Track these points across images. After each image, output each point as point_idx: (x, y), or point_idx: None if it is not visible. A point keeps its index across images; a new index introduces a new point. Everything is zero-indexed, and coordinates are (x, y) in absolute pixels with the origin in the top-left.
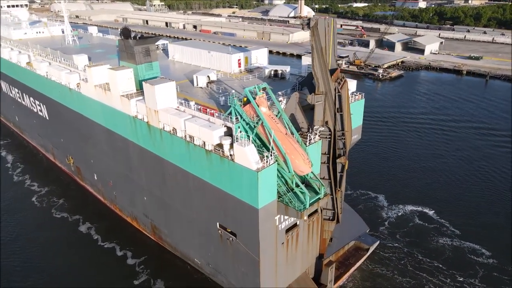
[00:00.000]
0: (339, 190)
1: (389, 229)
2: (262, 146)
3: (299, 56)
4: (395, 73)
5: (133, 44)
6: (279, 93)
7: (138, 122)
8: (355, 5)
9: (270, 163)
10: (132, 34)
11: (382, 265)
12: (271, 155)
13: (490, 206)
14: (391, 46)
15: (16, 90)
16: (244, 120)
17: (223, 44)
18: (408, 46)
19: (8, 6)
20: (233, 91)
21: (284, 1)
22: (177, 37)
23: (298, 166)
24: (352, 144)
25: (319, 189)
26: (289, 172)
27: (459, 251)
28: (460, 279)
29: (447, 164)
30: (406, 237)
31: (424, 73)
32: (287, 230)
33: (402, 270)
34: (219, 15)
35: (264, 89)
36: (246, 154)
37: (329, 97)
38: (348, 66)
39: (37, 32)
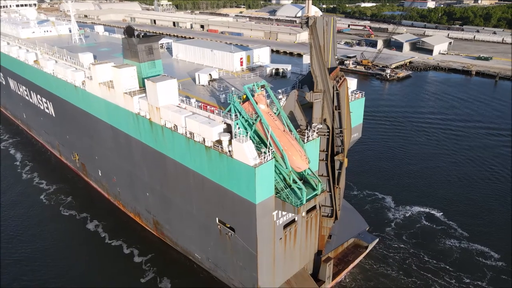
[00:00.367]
0: (337, 187)
1: (395, 230)
2: (261, 142)
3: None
4: (403, 73)
5: (136, 43)
6: (279, 91)
7: (140, 119)
8: (363, 5)
9: (268, 159)
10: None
11: (387, 265)
12: (268, 151)
13: (500, 208)
14: (399, 46)
15: (24, 88)
16: (243, 117)
17: (230, 43)
18: (417, 46)
19: (17, 6)
20: (233, 88)
21: (292, 1)
22: (184, 37)
23: (295, 162)
24: (352, 143)
25: (316, 186)
26: (286, 168)
27: (466, 253)
28: (467, 281)
29: (456, 164)
30: (412, 238)
31: (433, 73)
32: (285, 226)
33: (407, 270)
34: (226, 15)
35: (262, 86)
36: (244, 150)
37: (328, 95)
38: (356, 66)
39: (44, 31)
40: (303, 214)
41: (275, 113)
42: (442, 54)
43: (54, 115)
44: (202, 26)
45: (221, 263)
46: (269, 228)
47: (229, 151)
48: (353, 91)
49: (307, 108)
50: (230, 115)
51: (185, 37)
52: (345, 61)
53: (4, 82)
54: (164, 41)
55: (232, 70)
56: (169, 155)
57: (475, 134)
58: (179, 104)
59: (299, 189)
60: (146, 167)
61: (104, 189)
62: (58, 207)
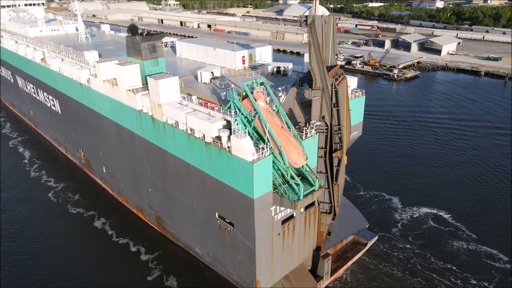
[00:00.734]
0: (336, 184)
1: (401, 231)
2: (259, 139)
3: None
4: (410, 73)
5: (140, 41)
6: (279, 88)
7: (143, 116)
8: (370, 4)
9: (266, 155)
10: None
11: (393, 264)
12: (266, 147)
13: (509, 209)
14: (407, 46)
15: (31, 85)
16: (242, 113)
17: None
18: (425, 47)
19: (26, 5)
20: (232, 85)
21: (299, 0)
22: (191, 36)
23: (292, 158)
24: (353, 141)
25: (314, 182)
26: (284, 164)
27: (474, 254)
28: (474, 282)
29: (464, 164)
30: (418, 239)
31: (441, 74)
32: (283, 222)
33: (412, 269)
34: (233, 15)
35: (262, 84)
36: (242, 146)
37: (326, 92)
38: (363, 66)
39: (52, 30)
40: (302, 210)
41: (274, 110)
42: (451, 54)
43: (60, 112)
44: (209, 26)
45: (220, 258)
46: (267, 223)
47: (228, 147)
48: (354, 89)
49: (306, 105)
50: (230, 111)
51: (191, 36)
52: (352, 61)
53: (10, 79)
54: (168, 39)
55: (234, 68)
56: (170, 151)
57: (484, 134)
58: (181, 101)
59: (297, 184)
60: (149, 163)
61: (108, 185)
62: (66, 205)
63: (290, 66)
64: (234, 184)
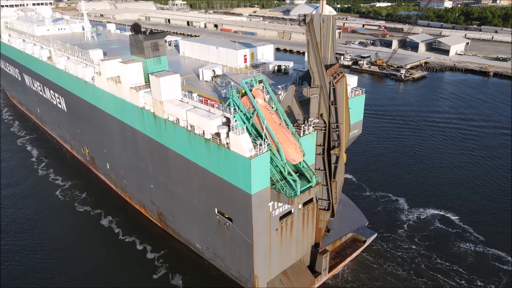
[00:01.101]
0: (334, 181)
1: (407, 232)
2: (258, 136)
3: None
4: (418, 74)
5: (143, 39)
6: (279, 86)
7: (145, 113)
8: (378, 4)
9: (263, 151)
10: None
11: (397, 264)
12: (264, 143)
13: None
14: (414, 47)
15: (38, 83)
16: (241, 111)
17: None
18: (433, 47)
19: (34, 4)
20: (232, 83)
21: (306, 0)
22: (198, 36)
23: (290, 155)
24: (353, 139)
25: (311, 178)
26: (281, 160)
27: (481, 256)
28: (480, 284)
29: (473, 165)
30: (424, 240)
31: (449, 74)
32: (281, 217)
33: (416, 269)
34: (240, 14)
35: (260, 81)
36: (240, 142)
37: (324, 90)
38: (370, 67)
39: (59, 29)
40: (300, 206)
41: (272, 107)
42: (459, 54)
43: (65, 110)
44: (216, 26)
45: (219, 253)
46: (265, 219)
47: (227, 143)
48: (354, 88)
49: (306, 103)
50: (229, 109)
51: (198, 36)
52: (359, 61)
53: (17, 77)
54: (172, 38)
55: (236, 66)
56: (171, 148)
57: (493, 135)
58: (182, 98)
59: (294, 181)
60: (151, 160)
61: (112, 181)
62: (73, 203)
63: (290, 64)
64: (232, 179)
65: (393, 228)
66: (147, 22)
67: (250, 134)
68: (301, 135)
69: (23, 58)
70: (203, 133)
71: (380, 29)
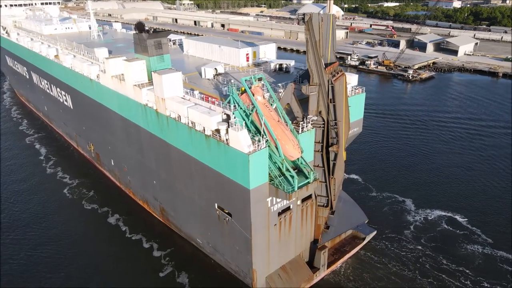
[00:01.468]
0: (332, 178)
1: (413, 233)
2: (257, 132)
3: None
4: (425, 74)
5: (146, 38)
6: (279, 84)
7: (148, 110)
8: (385, 4)
9: (261, 147)
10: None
11: (402, 264)
12: (262, 139)
13: None
14: (422, 47)
15: (45, 81)
16: (241, 108)
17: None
18: (441, 47)
19: (42, 4)
20: (232, 80)
21: (313, 0)
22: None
23: (288, 151)
24: (353, 137)
25: (309, 174)
26: (280, 156)
27: (489, 258)
28: (487, 286)
29: (482, 166)
30: (431, 241)
31: (457, 74)
32: (280, 213)
33: (421, 269)
34: (247, 14)
35: (260, 79)
36: (239, 138)
37: (323, 88)
38: (377, 67)
39: (66, 28)
40: (298, 202)
41: (271, 105)
42: (468, 55)
43: (72, 107)
44: (222, 25)
45: (219, 247)
46: (263, 214)
47: (226, 139)
48: (354, 86)
49: (305, 101)
50: (229, 106)
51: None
52: (366, 61)
53: (25, 75)
54: (176, 37)
55: (238, 65)
56: (173, 144)
57: (502, 135)
58: (184, 96)
59: (292, 177)
60: (153, 156)
61: (116, 178)
62: (81, 201)
63: (292, 63)
64: (231, 175)
65: (399, 229)
66: (155, 22)
67: (249, 130)
68: (300, 132)
69: (31, 57)
70: (204, 129)
71: (388, 29)
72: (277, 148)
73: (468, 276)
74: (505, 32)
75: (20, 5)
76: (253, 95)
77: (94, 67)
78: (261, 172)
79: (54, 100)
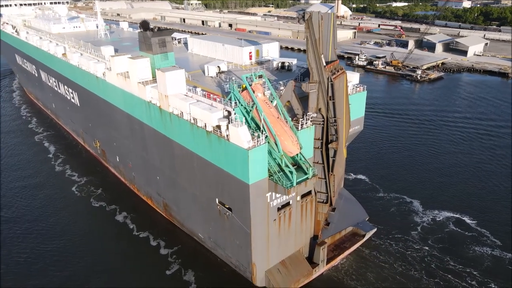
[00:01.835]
0: (332, 174)
1: (420, 234)
2: (257, 128)
3: None
4: (434, 74)
5: (150, 36)
6: (280, 82)
7: (152, 107)
8: (394, 4)
9: (261, 143)
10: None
11: (408, 263)
12: (262, 135)
13: None
14: (431, 47)
15: (53, 79)
16: (241, 104)
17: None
18: (450, 47)
19: (51, 3)
20: (233, 78)
21: (321, 0)
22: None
23: (286, 147)
24: (354, 135)
25: (308, 170)
26: (279, 152)
27: (497, 260)
28: (494, 287)
29: (492, 168)
30: (439, 242)
31: (466, 75)
32: (279, 208)
33: (427, 269)
34: (254, 14)
35: (260, 76)
36: (239, 134)
37: (322, 85)
38: (385, 67)
39: (74, 27)
40: (298, 198)
41: (272, 102)
42: (477, 55)
43: (79, 104)
44: (230, 25)
45: (220, 242)
46: (262, 209)
47: (227, 135)
48: (355, 84)
49: (306, 99)
50: (231, 102)
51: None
52: (374, 62)
53: (34, 73)
54: (181, 36)
55: (241, 63)
56: (176, 140)
57: None
58: (186, 93)
59: (290, 172)
60: (157, 152)
61: (121, 174)
62: (89, 198)
63: (294, 61)
64: (232, 170)
65: (406, 229)
66: (163, 22)
67: (249, 127)
68: (299, 128)
69: (40, 55)
70: (205, 125)
71: (396, 29)
72: (276, 144)
73: (475, 277)
74: None
75: (30, 4)
76: (254, 92)
77: (100, 65)
78: (260, 167)
79: (61, 98)
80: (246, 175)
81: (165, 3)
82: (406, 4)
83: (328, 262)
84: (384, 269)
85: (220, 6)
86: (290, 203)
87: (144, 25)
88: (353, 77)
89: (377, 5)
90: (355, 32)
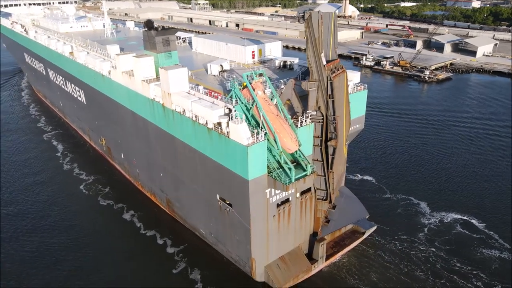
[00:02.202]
0: (331, 172)
1: (427, 236)
2: (257, 126)
3: (340, 56)
4: (442, 75)
5: (154, 35)
6: (281, 81)
7: (155, 104)
8: (402, 4)
9: (260, 140)
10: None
11: (414, 264)
12: (261, 132)
13: None
14: (439, 47)
15: (61, 77)
16: (242, 102)
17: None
18: (459, 48)
19: (59, 3)
20: (235, 76)
21: (328, 0)
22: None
23: (285, 144)
24: (355, 134)
25: (306, 167)
26: (278, 149)
27: (505, 263)
28: None
29: (501, 170)
30: (445, 244)
31: (475, 76)
32: (279, 205)
33: (432, 269)
34: (261, 14)
35: (260, 75)
36: (239, 131)
37: (322, 84)
38: (393, 67)
39: (81, 26)
40: (297, 195)
41: (272, 100)
42: (487, 56)
43: (85, 102)
44: (237, 25)
45: (221, 237)
46: (262, 204)
47: (227, 132)
48: (356, 83)
49: (306, 97)
50: (231, 100)
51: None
52: (381, 62)
53: (42, 71)
54: (186, 35)
55: (244, 62)
56: (178, 137)
57: None
58: (189, 91)
59: (289, 169)
60: (160, 149)
61: (126, 171)
62: (96, 197)
63: (296, 60)
64: (232, 166)
65: (413, 231)
66: (170, 21)
67: (249, 124)
68: (298, 126)
69: (48, 54)
70: (206, 122)
71: (404, 29)
72: (275, 141)
73: (481, 279)
74: None
75: (39, 4)
76: (254, 90)
77: (106, 63)
78: (259, 163)
79: (68, 96)
80: (246, 171)
81: (173, 3)
82: (414, 4)
83: (327, 258)
84: (389, 269)
85: (227, 6)
86: (290, 199)
87: (149, 24)
88: (354, 76)
89: (385, 5)
90: (362, 32)
